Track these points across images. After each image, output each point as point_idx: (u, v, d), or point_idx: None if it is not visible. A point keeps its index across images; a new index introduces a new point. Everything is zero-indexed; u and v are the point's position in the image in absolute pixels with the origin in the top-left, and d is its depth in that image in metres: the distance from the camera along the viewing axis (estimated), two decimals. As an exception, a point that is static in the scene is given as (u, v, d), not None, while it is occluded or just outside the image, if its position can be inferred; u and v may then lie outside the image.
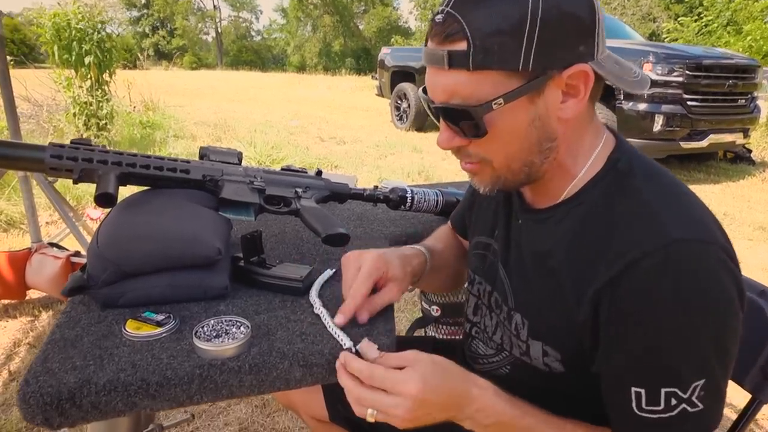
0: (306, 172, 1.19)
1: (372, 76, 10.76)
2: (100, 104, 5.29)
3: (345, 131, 8.34)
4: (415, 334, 1.94)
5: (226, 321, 0.81)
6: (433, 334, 1.95)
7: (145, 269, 0.86)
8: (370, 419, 0.71)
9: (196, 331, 0.78)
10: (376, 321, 0.85)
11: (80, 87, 5.26)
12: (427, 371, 0.72)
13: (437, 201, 1.30)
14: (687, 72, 5.30)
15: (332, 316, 0.84)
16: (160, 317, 0.82)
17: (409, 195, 1.26)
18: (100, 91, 5.31)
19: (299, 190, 1.13)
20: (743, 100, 5.91)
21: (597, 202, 0.77)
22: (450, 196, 1.32)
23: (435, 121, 0.80)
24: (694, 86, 5.35)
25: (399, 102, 8.76)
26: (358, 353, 0.74)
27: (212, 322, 0.80)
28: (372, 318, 0.85)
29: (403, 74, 8.67)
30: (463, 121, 0.74)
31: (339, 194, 1.20)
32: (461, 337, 1.82)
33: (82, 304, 0.86)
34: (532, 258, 0.84)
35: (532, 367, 0.84)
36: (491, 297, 0.95)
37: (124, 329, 0.79)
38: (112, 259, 0.84)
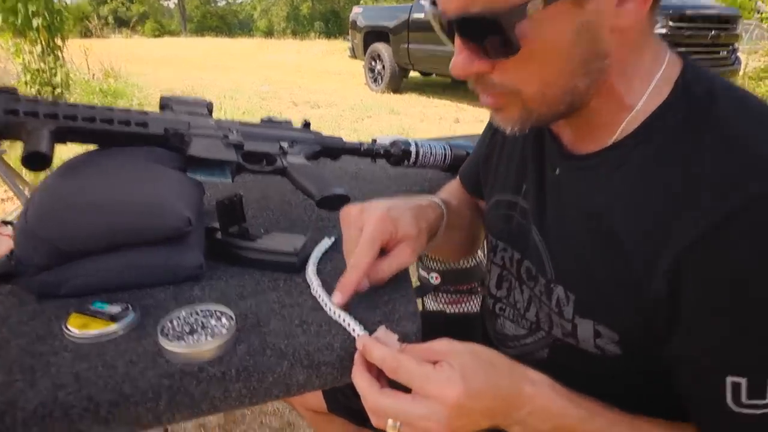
0: (290, 124, 0.99)
1: (344, 38, 10.39)
2: (53, 71, 4.91)
3: (318, 95, 8.04)
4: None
5: (202, 311, 0.62)
6: (432, 304, 1.79)
7: (92, 247, 0.66)
8: (390, 428, 0.54)
9: (163, 327, 0.59)
10: (394, 302, 0.67)
11: (30, 53, 4.87)
12: (468, 368, 0.55)
13: (445, 155, 1.11)
14: (671, 23, 5.16)
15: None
16: (114, 309, 0.63)
17: (413, 148, 1.07)
18: (52, 56, 4.92)
19: (285, 144, 0.93)
20: (725, 52, 5.82)
21: (668, 140, 0.60)
22: (459, 149, 1.13)
23: (447, 42, 0.61)
24: (678, 38, 5.20)
25: (373, 63, 8.47)
26: None
27: (183, 313, 0.61)
28: (388, 297, 0.67)
29: (376, 34, 8.34)
30: (488, 36, 0.55)
31: (332, 149, 1.00)
32: (471, 309, 1.67)
33: (12, 296, 0.67)
34: (579, 217, 0.67)
35: (580, 350, 0.67)
36: (521, 266, 0.78)
37: (66, 327, 0.60)
38: (45, 237, 0.64)
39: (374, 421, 0.55)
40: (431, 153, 1.09)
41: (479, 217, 0.99)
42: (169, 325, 0.59)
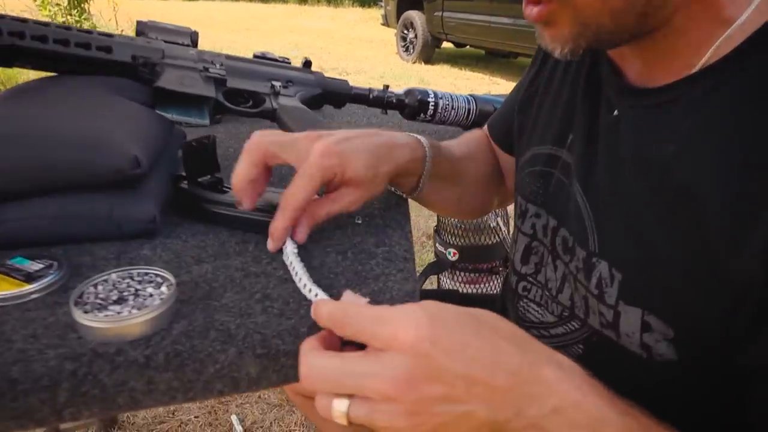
0: (289, 63, 0.84)
1: (378, 5, 10.13)
2: (79, 24, 4.82)
3: (348, 62, 7.83)
4: (426, 285, 1.64)
5: (137, 275, 0.48)
6: (448, 283, 1.64)
7: (17, 188, 0.53)
8: (338, 418, 0.38)
9: (82, 293, 0.46)
10: (387, 278, 0.52)
11: (57, 5, 4.78)
12: (446, 313, 0.39)
13: (468, 109, 0.95)
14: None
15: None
16: (35, 266, 0.50)
17: (431, 99, 0.91)
18: (78, 10, 4.83)
19: (277, 84, 0.78)
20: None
21: None
22: (485, 102, 0.97)
23: None
24: None
25: (405, 32, 8.19)
26: None
27: (114, 276, 0.48)
28: (380, 271, 0.53)
29: (410, 1, 8.04)
30: None
31: (335, 94, 0.85)
32: (490, 290, 1.52)
33: None
34: (639, 172, 0.51)
35: (620, 347, 0.52)
36: (556, 236, 0.63)
37: (-31, 286, 0.47)
38: (-44, 171, 0.51)
39: (319, 408, 0.39)
40: (452, 106, 0.93)
41: (495, 175, 0.83)
42: (92, 290, 0.46)
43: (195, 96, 0.70)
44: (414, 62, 7.95)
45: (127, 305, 0.44)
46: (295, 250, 0.53)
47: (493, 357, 0.38)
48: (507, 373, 0.38)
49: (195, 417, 1.52)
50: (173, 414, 1.53)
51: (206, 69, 0.73)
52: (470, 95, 0.97)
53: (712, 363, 0.46)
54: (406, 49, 8.23)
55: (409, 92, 0.92)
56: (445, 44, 8.29)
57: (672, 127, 0.48)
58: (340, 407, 0.38)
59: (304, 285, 0.48)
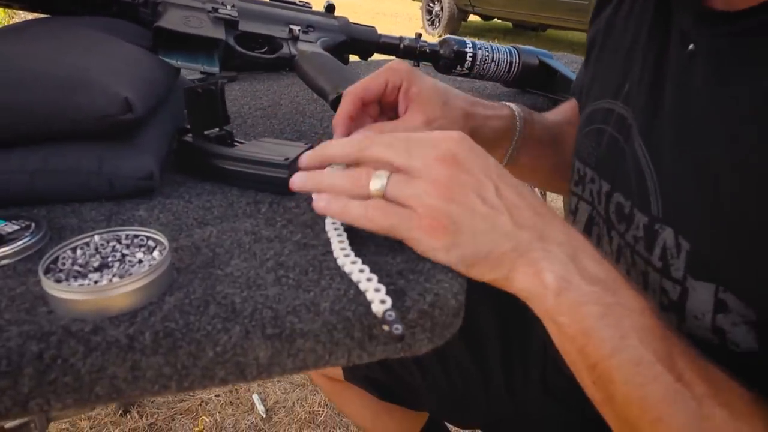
0: (310, 7, 0.74)
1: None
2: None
3: (372, 37, 7.66)
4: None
5: (126, 238, 0.40)
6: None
7: (-10, 138, 0.45)
8: (375, 192, 0.39)
9: (55, 259, 0.37)
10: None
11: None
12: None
13: (510, 62, 0.84)
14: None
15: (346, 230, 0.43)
16: (9, 227, 0.42)
17: (469, 50, 0.81)
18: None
19: (296, 28, 0.68)
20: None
21: None
22: (530, 55, 0.86)
23: None
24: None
25: (431, 5, 7.98)
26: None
27: (97, 239, 0.39)
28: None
29: (436, -28, 7.82)
30: None
31: (361, 42, 0.75)
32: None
33: None
34: (721, 115, 0.40)
35: (687, 332, 0.43)
36: (610, 202, 0.53)
37: (-70, 250, 0.39)
38: None
39: (354, 181, 0.40)
40: (492, 58, 0.83)
41: None
42: (69, 255, 0.38)
43: (202, 39, 0.61)
44: (440, 36, 7.75)
45: (108, 273, 0.36)
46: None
47: (522, 193, 0.41)
48: (532, 206, 0.40)
49: (216, 396, 1.47)
50: (194, 392, 1.48)
51: (215, 9, 0.64)
52: (513, 46, 0.86)
53: None
54: (432, 23, 8.02)
55: (445, 42, 0.81)
56: (472, 17, 8.06)
57: (765, 59, 0.38)
58: (378, 183, 0.39)
59: (346, 255, 0.39)
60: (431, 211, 0.37)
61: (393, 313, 0.34)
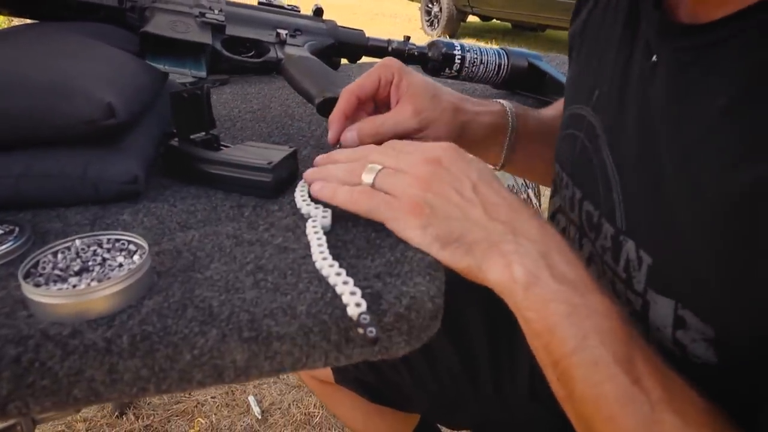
0: (298, 11, 0.75)
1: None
2: None
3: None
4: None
5: (107, 242, 0.40)
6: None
7: (-25, 143, 0.46)
8: (365, 182, 0.45)
9: (36, 264, 0.38)
10: (405, 248, 0.43)
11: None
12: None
13: (499, 64, 0.85)
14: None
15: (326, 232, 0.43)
16: (-7, 232, 0.43)
17: (457, 52, 0.81)
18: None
19: (283, 32, 0.69)
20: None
21: None
22: (518, 57, 0.87)
23: None
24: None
25: (430, 6, 7.98)
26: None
27: (78, 243, 0.40)
28: (395, 240, 0.44)
29: (435, -27, 7.82)
30: None
31: (349, 46, 0.76)
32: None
33: None
34: (677, 130, 0.41)
35: (652, 342, 0.43)
36: (581, 209, 0.53)
37: None
38: None
39: (348, 171, 0.47)
40: (481, 60, 0.83)
41: None
42: (49, 259, 0.38)
43: (189, 44, 0.62)
44: (439, 36, 7.76)
45: (87, 277, 0.36)
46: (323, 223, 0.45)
47: (501, 193, 0.44)
48: (509, 204, 0.43)
49: (212, 397, 1.47)
50: (189, 394, 1.48)
51: (203, 14, 0.65)
52: (501, 48, 0.86)
53: (760, 366, 0.37)
54: (431, 24, 8.02)
55: (433, 44, 0.82)
56: (471, 18, 8.06)
57: (729, 74, 0.37)
58: (369, 175, 0.45)
59: (324, 258, 0.40)
60: (410, 197, 0.42)
61: (368, 317, 0.34)
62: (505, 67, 0.85)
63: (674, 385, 0.37)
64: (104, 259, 0.39)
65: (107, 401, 0.35)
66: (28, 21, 0.65)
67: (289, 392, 1.51)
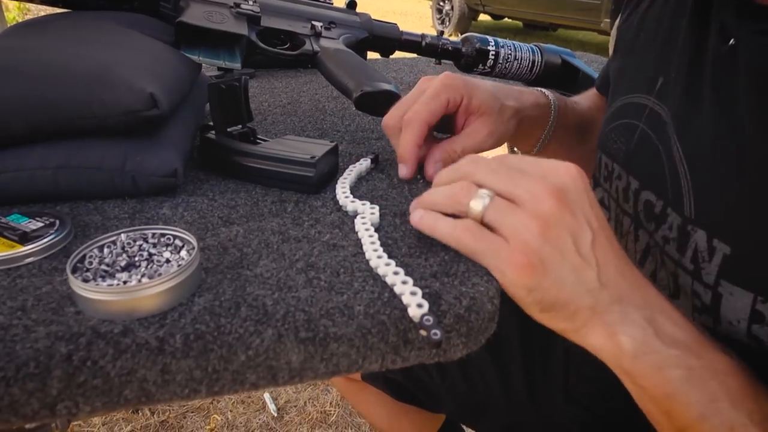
0: (332, 3, 0.73)
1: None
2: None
3: (381, 35, 7.65)
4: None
5: (152, 237, 0.39)
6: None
7: (14, 132, 0.44)
8: (473, 213, 0.38)
9: (82, 258, 0.37)
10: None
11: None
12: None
13: (533, 61, 0.83)
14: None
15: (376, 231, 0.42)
16: (34, 224, 0.41)
17: (491, 47, 0.80)
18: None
19: (318, 24, 0.67)
20: None
21: None
22: (552, 54, 0.85)
23: None
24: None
25: (441, 4, 7.95)
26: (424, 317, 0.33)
27: (123, 238, 0.38)
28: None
29: (447, -29, 7.79)
30: None
31: (383, 39, 0.74)
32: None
33: None
34: (763, 113, 0.39)
35: (718, 335, 0.41)
36: (638, 200, 0.52)
37: (-46, 247, 0.38)
38: (-61, 110, 0.42)
39: (457, 195, 0.39)
40: (515, 57, 0.81)
41: None
42: (95, 253, 0.37)
43: (224, 34, 0.60)
44: (450, 35, 7.72)
45: (137, 273, 0.35)
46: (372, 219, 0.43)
47: (613, 247, 0.39)
48: (616, 263, 0.38)
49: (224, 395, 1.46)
50: (204, 390, 1.48)
51: (237, 5, 0.63)
52: (535, 45, 0.85)
53: None
54: (442, 22, 7.99)
55: (467, 39, 0.80)
56: (482, 16, 8.03)
57: None
58: (479, 204, 0.38)
59: (379, 256, 0.38)
60: (524, 247, 0.36)
61: (431, 318, 0.33)
62: (539, 63, 0.83)
63: None
64: (150, 255, 0.37)
65: (157, 403, 0.33)
66: (59, 10, 0.64)
67: (305, 390, 1.50)
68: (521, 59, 0.82)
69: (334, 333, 0.33)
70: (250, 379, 0.33)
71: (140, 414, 1.38)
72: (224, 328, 0.33)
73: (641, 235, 0.52)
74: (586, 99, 0.73)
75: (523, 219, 0.36)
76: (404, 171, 0.52)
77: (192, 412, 1.40)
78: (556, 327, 0.38)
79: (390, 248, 0.41)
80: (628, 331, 0.36)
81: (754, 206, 0.39)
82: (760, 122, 0.39)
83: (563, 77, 0.85)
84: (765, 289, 0.38)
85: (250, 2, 0.65)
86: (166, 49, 0.55)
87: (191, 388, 0.33)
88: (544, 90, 0.63)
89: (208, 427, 1.37)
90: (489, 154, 0.44)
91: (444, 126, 0.55)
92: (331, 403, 1.46)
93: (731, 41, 0.43)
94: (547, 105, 0.62)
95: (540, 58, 0.83)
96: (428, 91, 0.52)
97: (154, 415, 1.38)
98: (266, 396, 1.45)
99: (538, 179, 0.37)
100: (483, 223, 0.38)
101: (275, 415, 1.40)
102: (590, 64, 0.99)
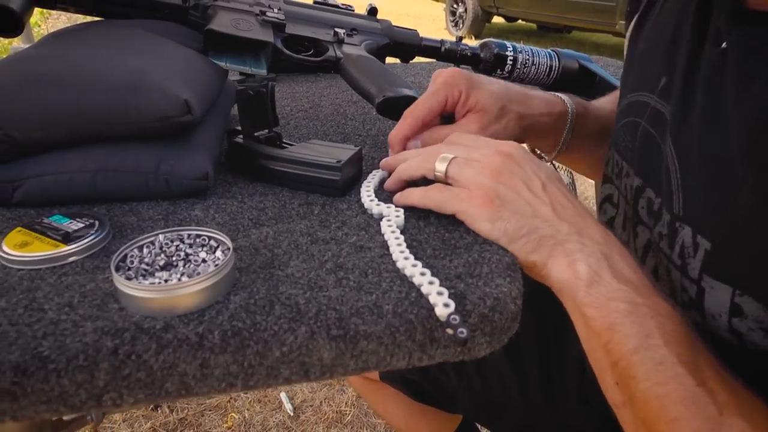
0: (352, 10, 0.75)
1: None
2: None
3: (395, 38, 7.65)
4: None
5: (188, 238, 0.41)
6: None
7: (54, 137, 0.47)
8: (439, 171, 0.46)
9: (124, 257, 0.38)
10: (482, 249, 0.43)
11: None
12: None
13: (550, 66, 0.84)
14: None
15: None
16: (75, 225, 0.43)
17: (509, 53, 0.81)
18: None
19: (341, 31, 0.69)
20: None
21: None
22: (569, 59, 0.86)
23: None
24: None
25: (455, 6, 7.96)
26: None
27: (162, 238, 0.40)
28: (473, 240, 0.44)
29: (460, -27, 7.79)
30: None
31: (404, 45, 0.76)
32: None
33: (-49, 199, 0.48)
34: (743, 118, 0.40)
35: (707, 331, 0.42)
36: (639, 198, 0.53)
37: (1, 247, 0.40)
38: (-13, 116, 0.45)
39: (419, 164, 0.49)
40: (533, 62, 0.83)
41: None
42: (136, 253, 0.39)
43: (251, 41, 0.62)
44: (463, 37, 7.72)
45: (176, 272, 0.37)
46: (398, 222, 0.45)
47: (567, 196, 0.45)
48: (575, 206, 0.44)
49: (244, 393, 1.49)
50: (222, 389, 1.50)
51: (263, 13, 0.65)
52: (552, 50, 0.86)
53: None
54: (456, 24, 8.00)
55: (485, 45, 0.81)
56: (496, 18, 8.02)
57: None
58: (443, 164, 0.46)
59: (406, 258, 0.40)
60: (481, 188, 0.43)
61: (457, 317, 0.34)
62: (556, 68, 0.84)
63: (740, 391, 0.36)
64: (187, 255, 0.39)
65: (195, 396, 0.35)
66: (88, 19, 0.66)
67: (321, 390, 1.51)
68: (539, 64, 0.83)
69: (364, 331, 0.35)
70: (283, 374, 0.35)
71: (159, 411, 1.41)
72: (260, 325, 0.34)
73: (640, 232, 0.53)
74: (610, 102, 0.74)
75: (479, 169, 0.44)
76: (390, 157, 0.54)
77: (210, 410, 1.43)
78: (528, 261, 0.42)
79: (415, 250, 0.42)
80: (586, 260, 0.40)
81: (731, 203, 0.40)
82: (741, 121, 0.40)
83: (580, 82, 0.86)
84: (742, 283, 0.39)
85: (275, 10, 0.67)
86: (196, 56, 0.57)
87: (228, 382, 0.35)
88: (563, 96, 0.64)
89: (225, 425, 1.39)
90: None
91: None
92: (346, 403, 1.47)
93: (723, 45, 0.45)
94: (564, 113, 0.63)
95: (557, 63, 0.84)
96: (429, 88, 0.57)
97: (173, 413, 1.40)
98: (282, 395, 1.47)
99: (489, 147, 0.46)
100: (447, 182, 0.46)
101: (291, 414, 1.42)
102: (606, 68, 1.00)
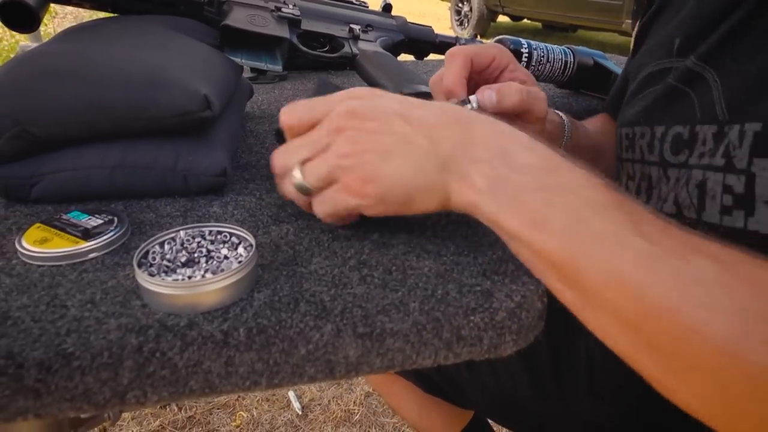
0: (366, 6, 0.74)
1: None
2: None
3: (400, 36, 7.65)
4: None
5: (209, 234, 0.40)
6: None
7: (72, 133, 0.46)
8: (298, 185, 0.41)
9: (146, 253, 0.38)
10: (505, 247, 0.43)
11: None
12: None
13: (565, 62, 0.83)
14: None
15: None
16: (94, 221, 0.43)
17: (524, 49, 0.80)
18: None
19: (356, 27, 0.69)
20: None
21: None
22: (585, 56, 0.85)
23: None
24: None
25: (460, 5, 7.95)
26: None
27: (183, 234, 0.40)
28: (495, 238, 0.43)
29: (466, -28, 7.78)
30: None
31: (418, 42, 0.75)
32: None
33: (-32, 195, 0.48)
34: None
35: (748, 236, 0.41)
36: (664, 142, 0.52)
37: (21, 243, 0.40)
38: (6, 112, 0.44)
39: (280, 187, 0.44)
40: (548, 59, 0.82)
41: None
42: (157, 249, 0.38)
43: (266, 37, 0.62)
44: (468, 36, 7.71)
45: (199, 268, 0.36)
46: None
47: (431, 110, 0.40)
48: (449, 115, 0.39)
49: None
50: (230, 387, 1.50)
51: (278, 9, 0.65)
52: (567, 47, 0.85)
53: None
54: (461, 23, 7.99)
55: (500, 41, 0.81)
56: (501, 17, 8.00)
57: None
58: (297, 176, 0.40)
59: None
60: (349, 173, 0.38)
61: None
62: (572, 65, 0.84)
63: (696, 237, 0.32)
64: (209, 251, 0.39)
65: (220, 394, 0.35)
66: (104, 15, 0.66)
67: (329, 388, 1.51)
68: (554, 61, 0.82)
69: (390, 329, 0.34)
70: (308, 372, 0.34)
71: (168, 409, 1.40)
72: (285, 322, 0.34)
73: (671, 174, 0.51)
74: (592, 124, 0.73)
75: (330, 160, 0.39)
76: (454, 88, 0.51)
77: (218, 409, 1.43)
78: (433, 208, 0.39)
79: (438, 247, 0.42)
80: (478, 170, 0.36)
81: None
82: None
83: (596, 79, 0.86)
84: None
85: (291, 6, 0.66)
86: (213, 51, 0.56)
87: (252, 380, 0.34)
88: (559, 113, 0.64)
89: (233, 424, 1.39)
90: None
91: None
92: (355, 402, 1.47)
93: None
94: (561, 124, 0.63)
95: (572, 59, 0.84)
96: (459, 56, 0.53)
97: (182, 411, 1.40)
98: (291, 394, 1.47)
99: (329, 120, 0.40)
100: (321, 188, 0.40)
101: (300, 413, 1.42)
102: (621, 65, 0.99)
